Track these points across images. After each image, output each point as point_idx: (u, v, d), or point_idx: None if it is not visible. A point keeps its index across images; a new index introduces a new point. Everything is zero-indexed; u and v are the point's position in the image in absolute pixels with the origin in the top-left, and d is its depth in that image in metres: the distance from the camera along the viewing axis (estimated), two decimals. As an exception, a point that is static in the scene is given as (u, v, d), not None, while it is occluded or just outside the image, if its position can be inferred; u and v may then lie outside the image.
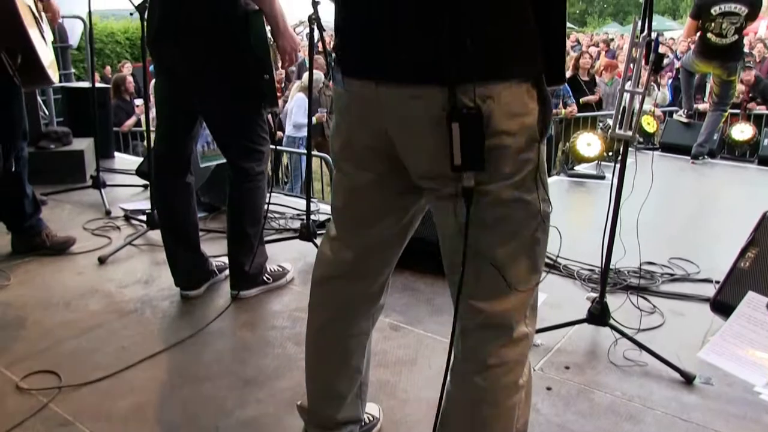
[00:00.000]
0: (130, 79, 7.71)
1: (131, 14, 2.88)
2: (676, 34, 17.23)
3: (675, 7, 38.22)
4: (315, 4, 2.63)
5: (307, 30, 2.83)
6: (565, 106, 6.63)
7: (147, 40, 2.45)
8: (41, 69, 2.67)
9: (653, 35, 2.01)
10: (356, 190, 1.33)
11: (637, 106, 2.11)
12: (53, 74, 2.81)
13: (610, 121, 6.29)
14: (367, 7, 1.12)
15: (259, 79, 2.29)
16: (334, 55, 1.23)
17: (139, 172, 4.14)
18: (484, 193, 1.09)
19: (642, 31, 2.02)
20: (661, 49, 2.05)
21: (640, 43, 2.01)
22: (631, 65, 2.06)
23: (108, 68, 12.52)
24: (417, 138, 1.12)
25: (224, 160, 2.57)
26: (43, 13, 2.95)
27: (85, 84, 5.74)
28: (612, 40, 15.74)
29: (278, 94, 2.45)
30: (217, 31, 2.24)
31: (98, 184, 4.02)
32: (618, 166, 2.16)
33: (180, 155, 2.52)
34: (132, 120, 7.53)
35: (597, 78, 7.80)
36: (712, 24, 5.70)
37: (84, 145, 4.61)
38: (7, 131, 2.78)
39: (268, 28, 2.30)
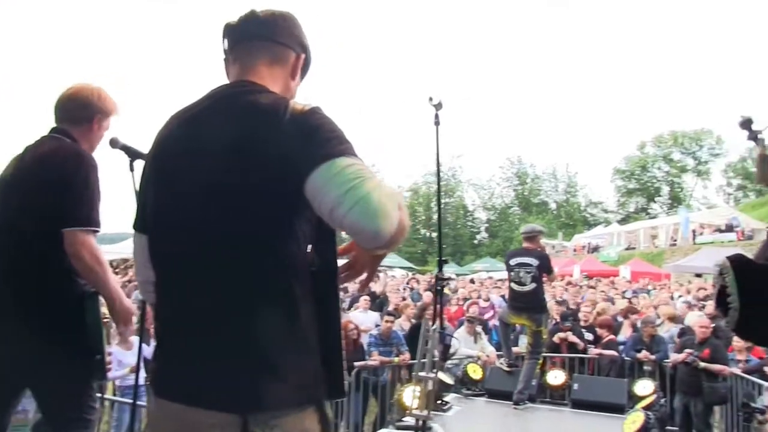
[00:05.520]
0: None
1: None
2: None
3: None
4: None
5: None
6: (398, 354, 7.06)
7: None
8: None
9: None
10: None
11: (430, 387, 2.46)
12: None
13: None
14: (183, 343, 1.36)
15: (91, 358, 2.38)
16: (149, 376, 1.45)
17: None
18: None
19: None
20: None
21: (431, 335, 2.43)
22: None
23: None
24: None
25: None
26: None
27: None
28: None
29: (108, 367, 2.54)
30: (50, 311, 2.30)
31: None
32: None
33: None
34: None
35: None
36: (512, 273, 6.77)
37: None
38: None
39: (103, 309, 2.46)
